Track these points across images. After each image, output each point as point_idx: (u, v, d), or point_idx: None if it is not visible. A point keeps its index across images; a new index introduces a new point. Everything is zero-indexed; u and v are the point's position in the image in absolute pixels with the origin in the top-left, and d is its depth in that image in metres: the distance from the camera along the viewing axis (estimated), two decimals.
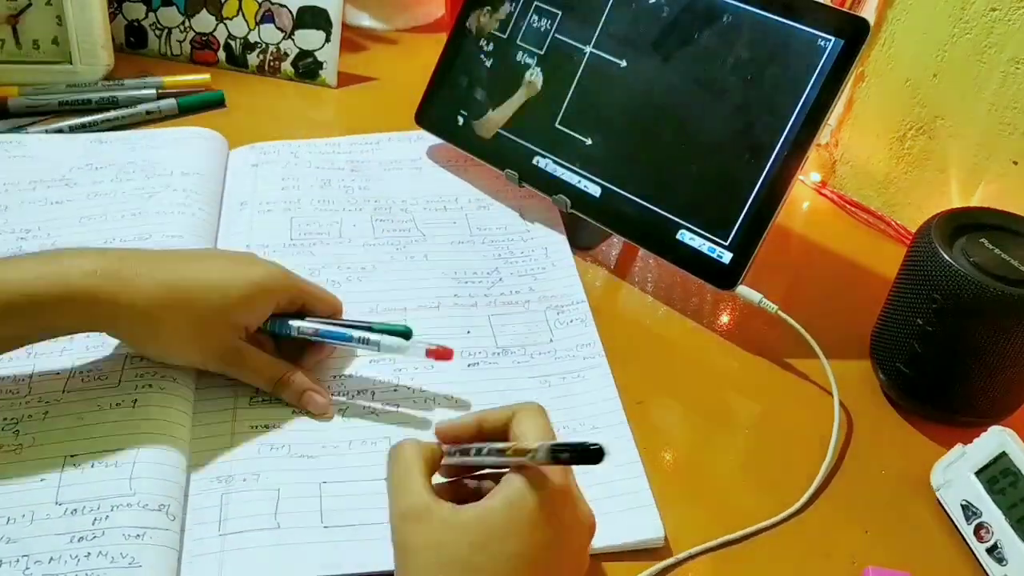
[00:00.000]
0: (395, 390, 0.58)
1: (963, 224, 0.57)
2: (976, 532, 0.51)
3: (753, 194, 0.63)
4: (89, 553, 0.45)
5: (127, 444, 0.51)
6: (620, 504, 0.51)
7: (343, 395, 0.57)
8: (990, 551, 0.50)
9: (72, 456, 0.50)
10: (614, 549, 0.49)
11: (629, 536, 0.50)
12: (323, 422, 0.55)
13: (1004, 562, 0.49)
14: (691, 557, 0.50)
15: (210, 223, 0.69)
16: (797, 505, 0.53)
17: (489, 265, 0.68)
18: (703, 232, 0.65)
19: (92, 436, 0.51)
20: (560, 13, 0.72)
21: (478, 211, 0.74)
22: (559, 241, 0.71)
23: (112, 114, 0.82)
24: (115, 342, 0.57)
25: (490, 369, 0.60)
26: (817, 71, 0.61)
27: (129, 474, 0.49)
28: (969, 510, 0.52)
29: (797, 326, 0.61)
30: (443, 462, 0.46)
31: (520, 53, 0.74)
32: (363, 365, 0.59)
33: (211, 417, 0.55)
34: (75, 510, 0.47)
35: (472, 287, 0.66)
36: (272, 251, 0.67)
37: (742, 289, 0.63)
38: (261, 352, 0.55)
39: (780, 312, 0.62)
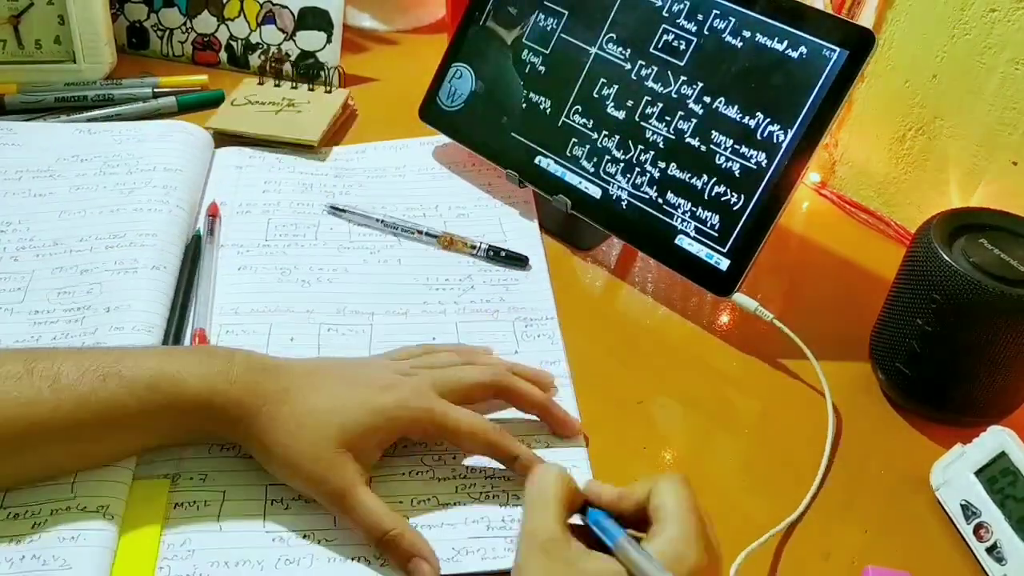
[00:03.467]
0: None
1: (962, 224, 0.57)
2: (976, 532, 0.51)
3: (753, 201, 0.63)
4: (24, 556, 0.45)
5: None
6: None
7: None
8: (990, 551, 0.50)
9: None
10: None
11: None
12: None
13: (1004, 562, 0.49)
14: None
15: (186, 221, 0.69)
16: (797, 513, 0.53)
17: (462, 272, 0.68)
18: (702, 238, 0.65)
19: None
20: (567, 13, 0.72)
21: (457, 219, 0.74)
22: (536, 254, 0.70)
23: (110, 111, 0.82)
24: (80, 342, 0.57)
25: None
26: (821, 81, 0.61)
27: (73, 477, 0.49)
28: (968, 510, 0.52)
29: (791, 333, 0.61)
30: (570, 520, 0.42)
31: (526, 52, 0.74)
32: None
33: None
34: (17, 515, 0.47)
35: (443, 293, 0.66)
36: (245, 251, 0.68)
37: (738, 296, 0.63)
38: (375, 499, 0.48)
39: (775, 320, 0.62)
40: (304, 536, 0.49)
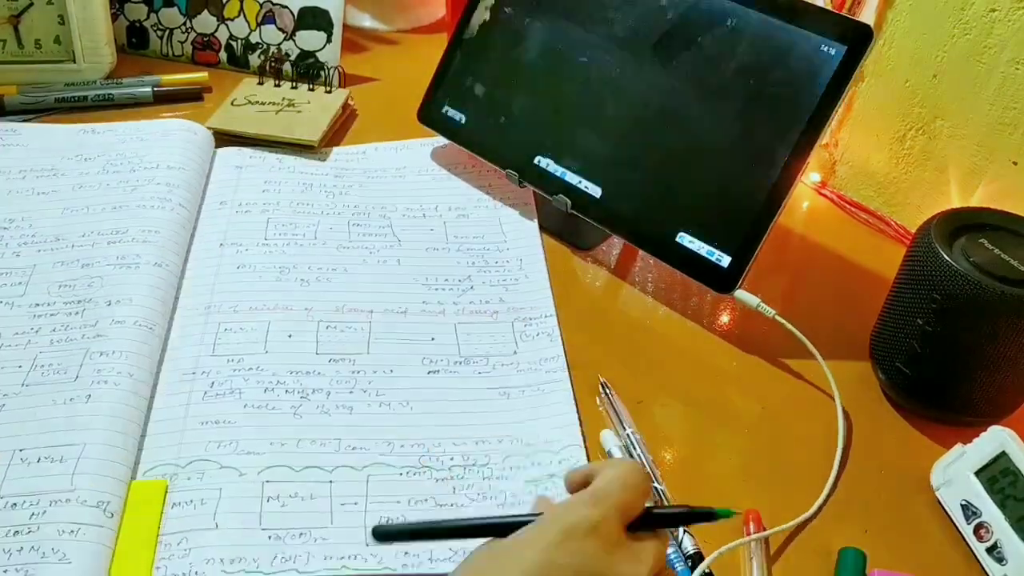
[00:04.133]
0: (351, 392, 0.57)
1: (963, 224, 0.57)
2: (976, 532, 0.51)
3: (753, 198, 0.63)
4: (22, 547, 0.46)
5: (75, 439, 0.51)
6: None
7: (297, 393, 0.57)
8: (990, 551, 0.50)
9: (21, 450, 0.50)
10: None
11: None
12: (274, 419, 0.55)
13: (1004, 562, 0.49)
14: (689, 557, 0.50)
15: (188, 219, 0.70)
16: (810, 512, 0.53)
17: (462, 272, 0.68)
18: (702, 235, 0.65)
19: (43, 431, 0.52)
20: (566, 13, 0.72)
21: (457, 219, 0.74)
22: (535, 254, 0.70)
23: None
24: (80, 335, 0.57)
25: (450, 378, 0.59)
26: (820, 78, 0.61)
27: (72, 470, 0.49)
28: (969, 510, 0.52)
29: (795, 331, 0.61)
30: None
31: (525, 52, 0.74)
32: (320, 364, 0.59)
33: (164, 413, 0.55)
34: (15, 504, 0.48)
35: (442, 294, 0.66)
36: (244, 250, 0.68)
37: (740, 293, 0.63)
38: None
39: (777, 317, 0.62)
40: (300, 534, 0.49)
